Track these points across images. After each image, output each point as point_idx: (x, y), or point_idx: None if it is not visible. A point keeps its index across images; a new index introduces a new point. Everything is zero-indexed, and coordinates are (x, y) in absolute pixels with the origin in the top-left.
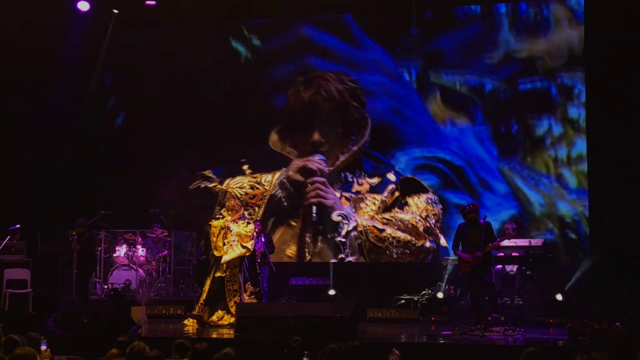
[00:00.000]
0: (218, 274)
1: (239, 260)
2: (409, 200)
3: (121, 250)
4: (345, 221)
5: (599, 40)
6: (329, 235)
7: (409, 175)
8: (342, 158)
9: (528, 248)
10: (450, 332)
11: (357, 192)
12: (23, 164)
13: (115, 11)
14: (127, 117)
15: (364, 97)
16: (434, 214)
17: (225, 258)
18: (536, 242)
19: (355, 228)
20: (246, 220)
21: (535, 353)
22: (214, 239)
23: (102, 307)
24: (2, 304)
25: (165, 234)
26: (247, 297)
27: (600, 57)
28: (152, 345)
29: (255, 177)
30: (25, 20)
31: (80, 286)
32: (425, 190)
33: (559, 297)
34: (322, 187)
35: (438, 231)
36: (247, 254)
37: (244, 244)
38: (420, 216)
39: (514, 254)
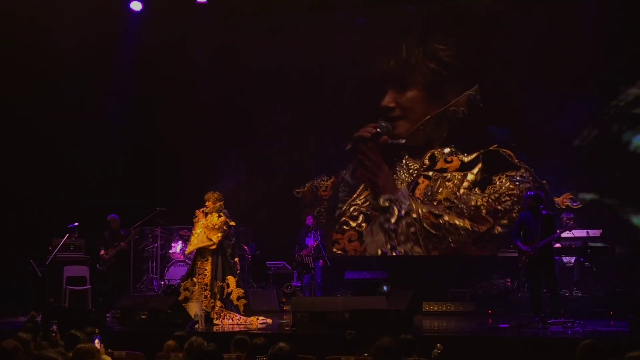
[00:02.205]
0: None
1: (208, 252)
2: (495, 178)
3: (177, 247)
4: (395, 206)
5: None
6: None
7: (498, 147)
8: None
9: (586, 239)
10: (507, 325)
11: (443, 170)
12: (79, 163)
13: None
14: (181, 115)
15: (460, 61)
16: (513, 194)
17: (189, 248)
18: (594, 232)
19: (408, 214)
20: (220, 213)
21: (592, 345)
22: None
23: (160, 303)
24: (62, 301)
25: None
26: (230, 290)
27: None
28: (209, 340)
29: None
30: (79, 20)
31: (122, 283)
32: (515, 167)
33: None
34: (371, 166)
35: (517, 214)
36: (211, 247)
37: (210, 236)
38: (490, 198)
39: (571, 245)
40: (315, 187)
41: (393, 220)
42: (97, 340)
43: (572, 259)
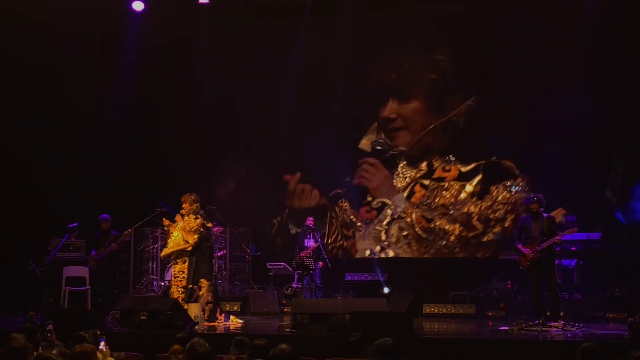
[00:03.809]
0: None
1: (185, 254)
2: (493, 188)
3: None
4: (388, 209)
5: None
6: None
7: (494, 158)
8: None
9: (586, 242)
10: (507, 328)
11: (441, 179)
12: (79, 163)
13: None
14: (182, 116)
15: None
16: (507, 203)
17: (164, 251)
18: (594, 235)
19: (401, 217)
20: (197, 214)
21: (592, 348)
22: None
23: (160, 304)
24: (62, 301)
25: (220, 230)
26: (201, 293)
27: None
28: (208, 341)
29: None
30: (81, 20)
31: (112, 284)
32: (510, 176)
33: (617, 291)
34: (369, 167)
35: (510, 223)
36: (187, 249)
37: (187, 239)
38: (484, 205)
39: (572, 248)
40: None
41: (385, 222)
42: (102, 343)
43: (573, 262)
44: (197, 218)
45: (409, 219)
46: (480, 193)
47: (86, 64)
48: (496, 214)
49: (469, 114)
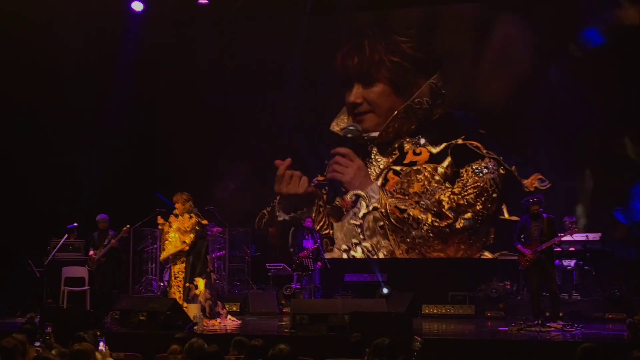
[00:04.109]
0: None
1: (182, 254)
2: (462, 171)
3: None
4: (362, 201)
5: None
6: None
7: (461, 140)
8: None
9: (585, 242)
10: (506, 328)
11: (412, 163)
12: (79, 163)
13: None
14: (182, 116)
15: (422, 53)
16: (476, 187)
17: (163, 254)
18: (594, 236)
19: (376, 209)
20: (191, 213)
21: (591, 348)
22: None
23: (159, 304)
24: (61, 302)
25: (219, 231)
26: (198, 292)
27: None
28: (208, 341)
29: None
30: (80, 20)
31: (111, 283)
32: (477, 157)
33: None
34: (341, 159)
35: (481, 206)
36: (185, 249)
37: (183, 239)
38: (454, 192)
39: (571, 248)
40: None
41: (360, 214)
42: (102, 343)
43: (572, 262)
44: (191, 217)
45: (383, 210)
46: (453, 176)
47: (85, 64)
48: (467, 199)
49: (432, 93)
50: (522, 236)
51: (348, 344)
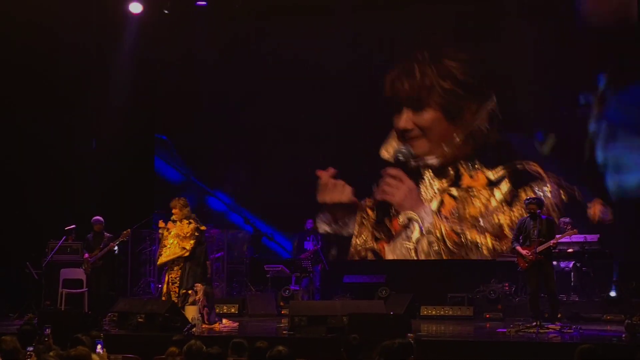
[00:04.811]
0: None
1: (180, 260)
2: (521, 191)
3: None
4: (415, 223)
5: None
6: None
7: (520, 163)
8: (445, 150)
9: (583, 244)
10: (505, 330)
11: (469, 188)
12: (77, 165)
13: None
14: (181, 117)
15: (472, 78)
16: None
17: (161, 259)
18: (592, 237)
19: (430, 232)
20: (190, 219)
21: (589, 350)
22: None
23: (157, 306)
24: (59, 304)
25: (218, 232)
26: (198, 298)
27: None
28: (207, 343)
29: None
30: (78, 23)
31: (110, 286)
32: (536, 179)
33: (613, 293)
34: (391, 181)
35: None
36: (184, 255)
37: (183, 245)
38: (514, 215)
39: (569, 250)
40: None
41: (414, 237)
42: (99, 346)
43: (570, 264)
44: (190, 222)
45: (438, 233)
46: (512, 201)
47: (83, 66)
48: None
49: (489, 117)
50: (520, 237)
51: (348, 346)
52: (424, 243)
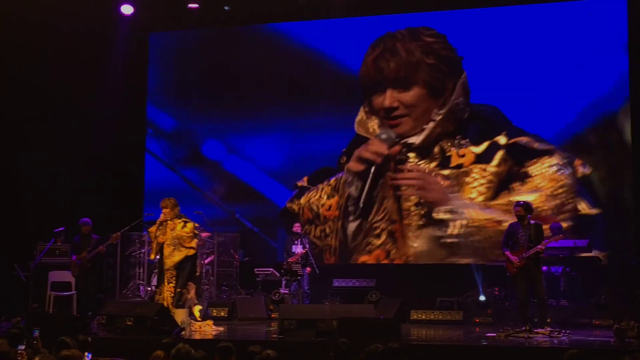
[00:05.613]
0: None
1: (184, 259)
2: (531, 169)
3: None
4: (454, 217)
5: None
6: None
7: (504, 138)
8: (426, 127)
9: (573, 249)
10: (494, 334)
11: (459, 166)
12: (66, 167)
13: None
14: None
15: (452, 52)
16: (562, 186)
17: (172, 259)
18: (581, 242)
19: (466, 225)
20: (183, 220)
21: (577, 355)
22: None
23: (146, 309)
24: (47, 306)
25: (208, 235)
26: (190, 296)
27: None
28: (196, 347)
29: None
30: (69, 23)
31: (98, 288)
32: (549, 153)
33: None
34: (423, 176)
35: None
36: (191, 253)
37: (187, 245)
38: (547, 194)
39: (559, 255)
40: (312, 204)
41: (453, 232)
42: (89, 357)
43: (559, 269)
44: (186, 221)
45: (476, 223)
46: (513, 176)
47: (74, 66)
48: (560, 198)
49: (465, 92)
50: (509, 242)
51: (337, 350)
52: (464, 235)
